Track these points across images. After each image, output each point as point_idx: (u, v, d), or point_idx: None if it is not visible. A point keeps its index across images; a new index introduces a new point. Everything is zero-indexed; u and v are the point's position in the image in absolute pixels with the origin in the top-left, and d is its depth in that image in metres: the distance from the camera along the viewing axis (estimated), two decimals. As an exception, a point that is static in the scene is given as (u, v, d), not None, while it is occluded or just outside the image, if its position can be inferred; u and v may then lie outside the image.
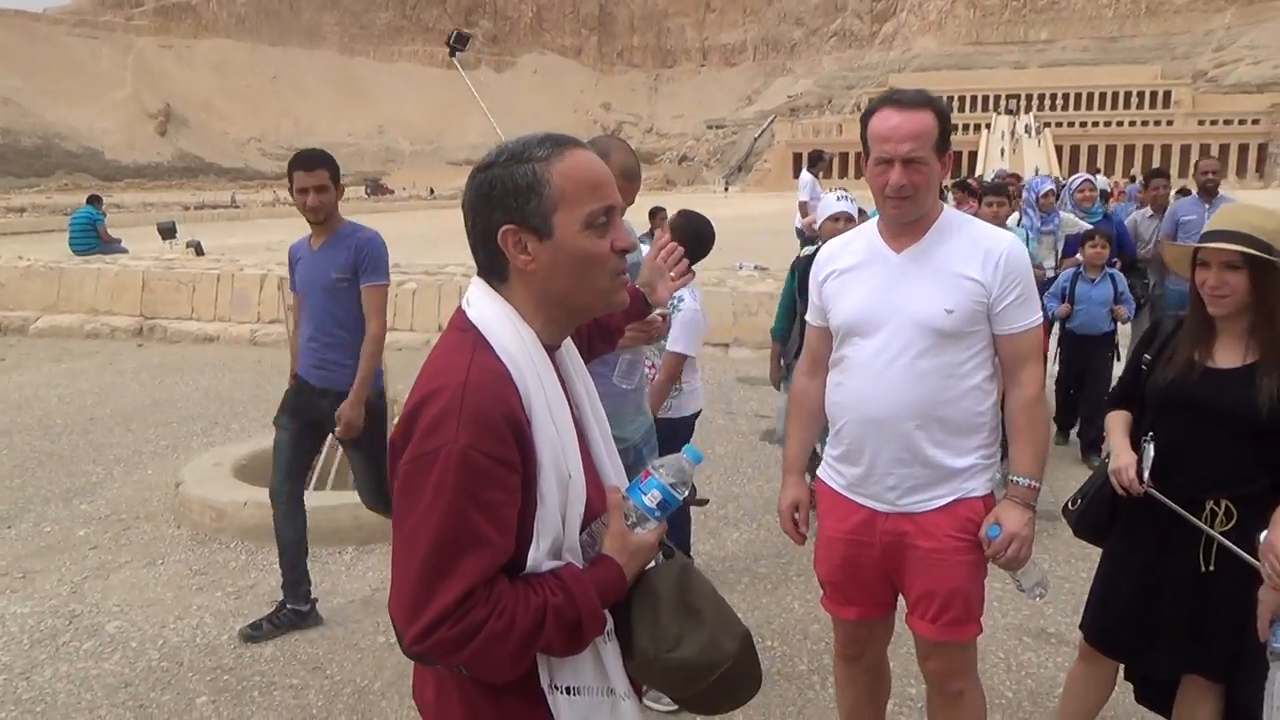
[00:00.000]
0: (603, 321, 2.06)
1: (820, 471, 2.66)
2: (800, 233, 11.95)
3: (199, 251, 17.85)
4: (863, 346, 2.43)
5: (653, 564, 1.58)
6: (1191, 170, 8.62)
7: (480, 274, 1.55)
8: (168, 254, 17.02)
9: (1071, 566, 4.73)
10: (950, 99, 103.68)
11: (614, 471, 1.65)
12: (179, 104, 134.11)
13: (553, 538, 1.45)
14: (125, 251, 15.67)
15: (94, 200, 16.64)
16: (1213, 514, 2.56)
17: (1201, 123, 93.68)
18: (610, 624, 1.51)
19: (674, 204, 10.81)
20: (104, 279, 13.06)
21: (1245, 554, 2.44)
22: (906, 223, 2.40)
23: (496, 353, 1.45)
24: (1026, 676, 3.78)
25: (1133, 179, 25.04)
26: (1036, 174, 13.56)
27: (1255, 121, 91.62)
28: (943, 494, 2.41)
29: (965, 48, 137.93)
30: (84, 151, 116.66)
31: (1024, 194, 8.08)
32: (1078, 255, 7.08)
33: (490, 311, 1.50)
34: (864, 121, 2.39)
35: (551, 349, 1.55)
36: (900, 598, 2.62)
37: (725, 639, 1.51)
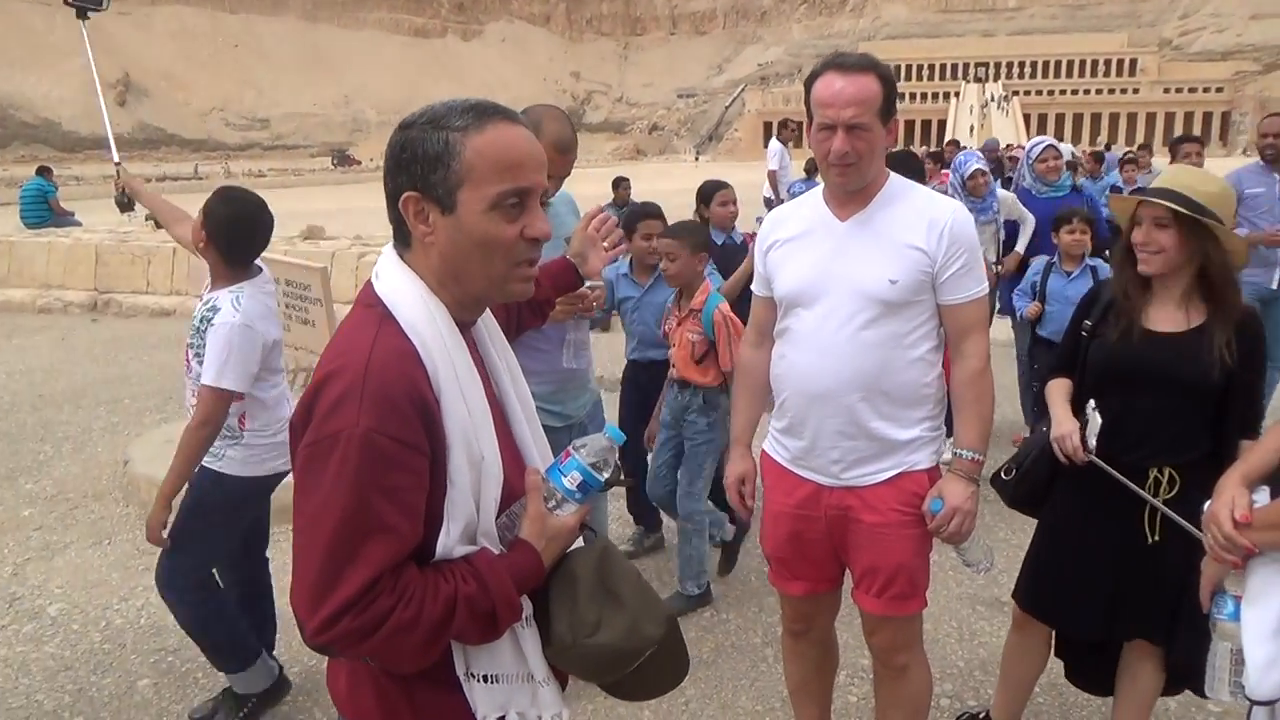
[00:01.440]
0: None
1: (765, 445, 2.62)
2: (769, 202, 11.90)
3: (158, 224, 17.49)
4: (805, 317, 2.38)
5: (574, 546, 1.53)
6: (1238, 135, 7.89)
7: (393, 239, 1.48)
8: (125, 226, 16.68)
9: (1025, 535, 4.69)
10: (920, 67, 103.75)
11: (538, 451, 1.59)
12: (138, 73, 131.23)
13: (465, 522, 1.39)
14: (79, 224, 15.32)
15: (44, 171, 16.20)
16: (1156, 482, 2.55)
17: (1167, 90, 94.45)
18: (529, 609, 1.46)
19: (644, 174, 10.76)
20: (56, 252, 12.76)
21: (1188, 524, 2.43)
22: (851, 191, 2.34)
23: (404, 329, 1.38)
24: (979, 646, 3.79)
25: (1107, 148, 24.67)
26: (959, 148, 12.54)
27: (1219, 89, 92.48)
28: (887, 467, 2.38)
29: (934, 15, 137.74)
30: (40, 122, 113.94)
31: (950, 175, 6.79)
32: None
33: (399, 285, 1.42)
34: (807, 86, 2.32)
35: (464, 324, 1.48)
36: (848, 572, 2.59)
37: (648, 624, 1.46)
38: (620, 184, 11.91)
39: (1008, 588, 4.23)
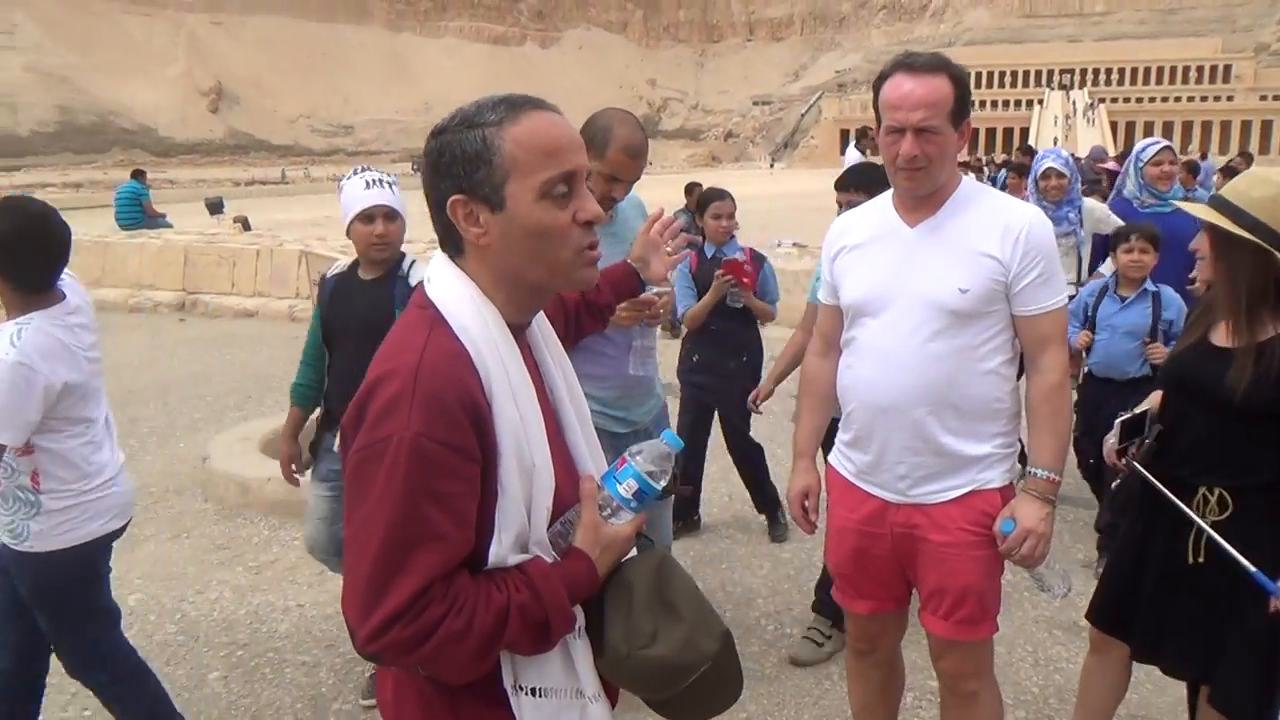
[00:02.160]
0: (591, 299, 1.96)
1: (831, 458, 2.55)
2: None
3: (246, 226, 18.06)
4: (872, 327, 2.31)
5: (630, 555, 1.49)
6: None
7: (441, 246, 1.46)
8: (212, 229, 17.22)
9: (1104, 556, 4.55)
10: (1002, 74, 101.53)
11: (592, 459, 1.56)
12: (230, 81, 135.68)
13: (517, 531, 1.37)
14: (170, 226, 15.87)
15: (138, 175, 16.84)
16: (1204, 500, 2.40)
17: (1264, 98, 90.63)
18: (581, 620, 1.43)
19: (718, 181, 10.80)
20: (147, 253, 13.23)
21: (1230, 548, 2.29)
22: (921, 196, 2.27)
23: (455, 332, 1.37)
24: (1054, 671, 3.65)
25: (1203, 156, 23.32)
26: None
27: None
28: (957, 484, 2.29)
29: (1018, 21, 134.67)
30: (139, 129, 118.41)
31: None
32: (1102, 267, 5.06)
33: (450, 288, 1.41)
34: (876, 88, 2.25)
35: (519, 328, 1.46)
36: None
37: (704, 639, 1.42)
38: (693, 189, 11.90)
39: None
